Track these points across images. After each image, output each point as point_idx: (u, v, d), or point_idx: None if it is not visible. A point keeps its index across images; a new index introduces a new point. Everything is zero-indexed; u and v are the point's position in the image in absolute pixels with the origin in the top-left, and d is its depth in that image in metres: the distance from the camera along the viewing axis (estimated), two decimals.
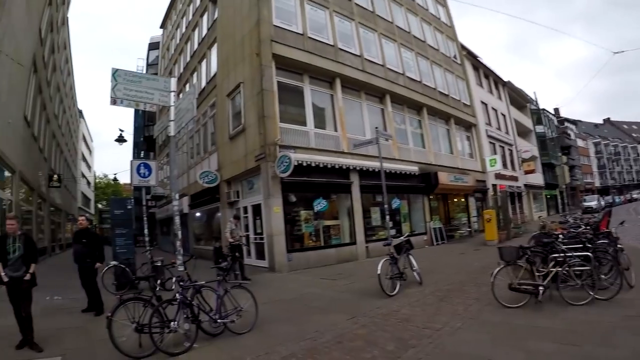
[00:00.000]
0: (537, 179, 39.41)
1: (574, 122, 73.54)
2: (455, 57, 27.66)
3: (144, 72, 45.36)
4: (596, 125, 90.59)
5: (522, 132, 40.03)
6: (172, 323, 5.30)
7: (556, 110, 62.87)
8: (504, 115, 34.55)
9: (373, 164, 15.90)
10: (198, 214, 21.71)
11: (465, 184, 22.47)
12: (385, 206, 12.33)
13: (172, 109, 6.32)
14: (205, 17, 21.33)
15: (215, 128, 18.17)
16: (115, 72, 6.01)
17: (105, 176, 66.69)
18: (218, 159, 17.56)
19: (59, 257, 24.00)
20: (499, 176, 28.85)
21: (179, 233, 6.27)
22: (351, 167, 15.42)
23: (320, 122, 15.54)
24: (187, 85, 23.33)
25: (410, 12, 23.64)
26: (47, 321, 6.89)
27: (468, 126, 26.55)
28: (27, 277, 5.74)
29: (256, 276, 12.04)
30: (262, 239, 14.27)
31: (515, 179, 33.16)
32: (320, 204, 14.59)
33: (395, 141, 17.95)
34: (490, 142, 29.71)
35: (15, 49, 12.41)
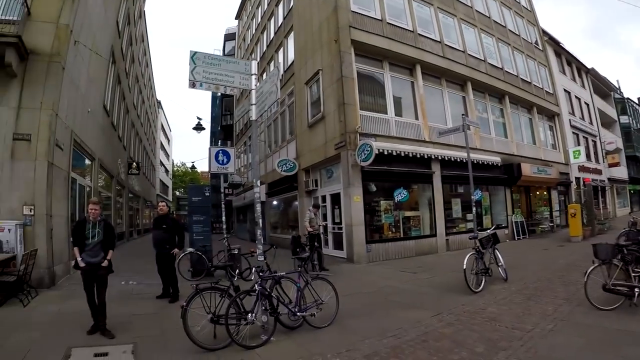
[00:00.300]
0: (621, 172, 36.33)
1: None
2: (536, 42, 25.79)
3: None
4: None
5: (606, 122, 36.91)
6: (250, 315, 5.01)
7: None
8: (587, 105, 31.90)
9: (455, 154, 15.13)
10: (275, 203, 21.70)
11: (548, 176, 20.91)
12: (473, 197, 11.54)
13: (254, 92, 6.06)
14: (280, 6, 21.29)
15: (294, 116, 17.99)
16: (194, 55, 5.82)
17: (183, 164, 69.27)
18: (296, 147, 17.38)
19: (136, 242, 25.20)
20: (582, 169, 26.69)
21: (260, 221, 5.97)
22: (433, 157, 14.69)
23: (400, 110, 14.92)
24: (264, 74, 23.44)
25: None
26: (121, 307, 6.86)
27: (551, 115, 24.70)
28: (105, 263, 5.66)
29: (334, 267, 11.71)
30: (340, 228, 13.90)
31: (598, 172, 30.61)
32: (400, 194, 14.00)
33: (477, 130, 16.88)
34: (574, 133, 27.51)
35: (93, 40, 12.70)
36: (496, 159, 17.58)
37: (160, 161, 50.34)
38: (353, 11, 14.31)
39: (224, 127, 37.64)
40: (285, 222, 20.34)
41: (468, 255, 7.91)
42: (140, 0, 26.00)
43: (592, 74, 34.64)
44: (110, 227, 5.94)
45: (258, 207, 5.95)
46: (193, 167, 40.52)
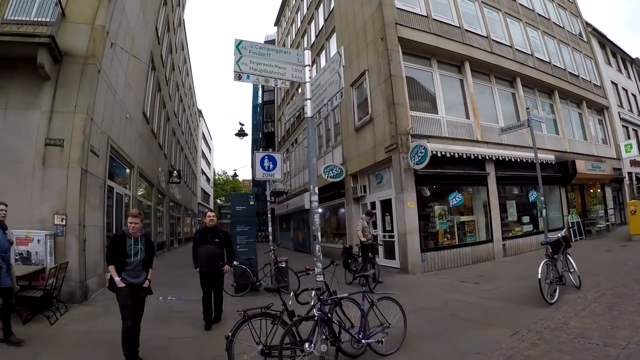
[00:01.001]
0: None
1: None
2: (580, 34, 24.21)
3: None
4: None
5: None
6: (307, 345, 4.14)
7: None
8: (634, 96, 29.85)
9: (510, 153, 14.08)
10: (320, 210, 20.75)
11: (602, 172, 19.34)
12: (542, 198, 10.50)
13: (308, 85, 5.19)
14: (321, 9, 20.75)
15: (339, 120, 17.20)
16: (240, 44, 5.01)
17: (224, 173, 69.23)
18: (343, 152, 16.57)
19: (177, 252, 24.77)
20: (634, 163, 24.77)
21: (319, 235, 4.89)
22: (487, 157, 13.58)
23: (451, 109, 13.87)
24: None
25: None
26: (157, 328, 6.15)
27: (600, 109, 23.07)
28: (146, 284, 4.96)
29: (387, 278, 10.82)
30: (392, 237, 12.97)
31: None
32: (455, 198, 12.97)
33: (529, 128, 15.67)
34: (623, 126, 25.63)
35: (132, 45, 12.19)
36: (550, 157, 16.27)
37: (202, 169, 50.23)
38: (398, 8, 13.49)
39: (266, 134, 37.47)
40: (332, 231, 19.50)
41: (542, 263, 7.02)
42: (180, 8, 25.58)
43: (637, 64, 32.47)
44: (151, 243, 5.24)
45: (316, 219, 4.87)
46: (235, 175, 39.87)
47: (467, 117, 14.06)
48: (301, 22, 25.69)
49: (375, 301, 5.06)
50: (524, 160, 14.42)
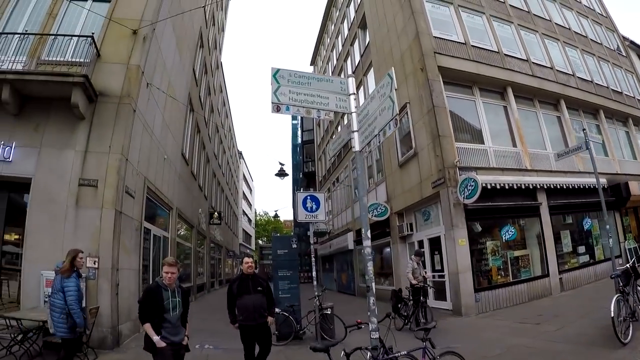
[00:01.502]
0: None
1: None
2: (618, 49, 23.08)
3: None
4: None
5: None
6: None
7: None
8: None
9: (562, 180, 13.23)
10: (371, 255, 19.87)
11: None
12: (607, 227, 9.54)
13: (354, 116, 4.60)
14: (356, 45, 20.63)
15: (381, 156, 16.55)
16: (277, 73, 4.51)
17: (266, 213, 68.97)
18: (386, 189, 15.88)
19: (217, 293, 24.15)
20: None
21: (373, 285, 4.01)
22: (538, 186, 12.67)
23: (496, 138, 13.10)
24: (345, 117, 22.40)
25: (564, 7, 20.21)
26: None
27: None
28: (185, 341, 4.40)
29: (440, 321, 9.85)
30: (442, 277, 12.11)
31: None
32: (508, 232, 12.05)
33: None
34: None
35: (168, 85, 12.01)
36: (602, 181, 15.09)
37: (243, 210, 49.99)
38: (435, 37, 13.06)
39: (306, 174, 37.28)
40: (378, 271, 18.38)
41: (614, 299, 6.14)
42: (217, 51, 25.67)
43: None
44: (187, 295, 4.64)
45: (369, 267, 4.07)
46: (276, 215, 39.41)
47: (514, 145, 13.22)
48: (337, 60, 25.62)
49: (437, 357, 4.38)
50: (576, 187, 13.52)
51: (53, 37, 8.72)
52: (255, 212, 68.29)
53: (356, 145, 4.53)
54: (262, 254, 45.89)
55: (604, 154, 17.00)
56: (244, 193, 52.23)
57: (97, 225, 7.77)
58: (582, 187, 13.85)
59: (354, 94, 4.68)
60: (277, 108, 4.40)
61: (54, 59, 8.43)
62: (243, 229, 49.68)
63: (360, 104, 4.74)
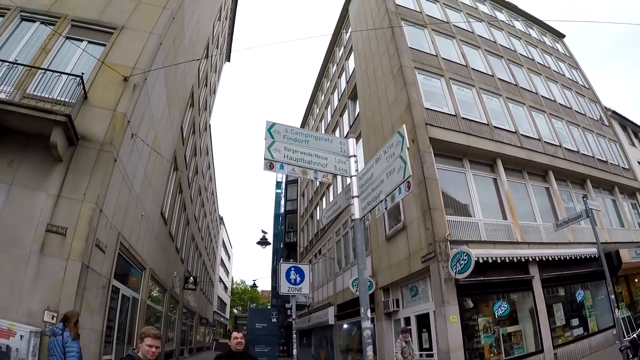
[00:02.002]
0: None
1: None
2: (601, 119, 23.75)
3: (283, 181, 44.74)
4: None
5: None
6: None
7: None
8: None
9: (553, 252, 13.01)
10: (346, 326, 19.21)
11: None
12: (612, 297, 9.26)
13: (355, 180, 4.30)
14: (345, 116, 20.90)
15: (367, 229, 16.12)
16: (272, 127, 4.26)
17: (243, 282, 67.06)
18: (372, 263, 15.39)
19: None
20: None
21: None
22: (530, 259, 12.39)
23: (487, 211, 13.00)
24: (330, 188, 22.33)
25: (549, 80, 20.98)
26: None
27: (632, 192, 21.86)
28: None
29: None
30: (430, 355, 11.57)
31: None
32: (501, 308, 11.65)
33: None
34: None
35: (154, 140, 11.50)
36: (592, 251, 14.87)
37: (220, 277, 48.26)
38: (427, 108, 13.29)
39: (287, 244, 36.40)
40: (358, 348, 17.62)
41: None
42: (206, 112, 25.39)
43: None
44: None
45: (369, 352, 3.60)
46: (254, 285, 37.78)
47: (505, 217, 13.12)
48: (325, 130, 25.79)
49: None
50: (568, 258, 13.30)
51: (42, 72, 8.23)
52: (232, 280, 66.10)
53: (356, 213, 4.17)
54: (237, 323, 44.00)
55: (591, 224, 16.96)
56: (222, 259, 50.60)
57: (60, 278, 6.98)
58: (573, 258, 13.67)
59: (355, 156, 4.45)
60: (270, 165, 4.09)
61: (40, 94, 7.94)
62: (218, 297, 47.72)
63: (361, 168, 4.46)
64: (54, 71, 8.21)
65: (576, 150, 18.15)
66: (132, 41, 9.74)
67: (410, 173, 3.53)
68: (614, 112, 25.78)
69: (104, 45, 9.51)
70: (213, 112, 29.63)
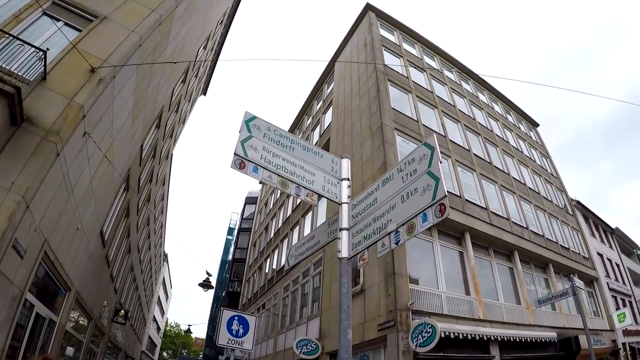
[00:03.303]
0: None
1: None
2: (566, 207, 24.42)
3: (236, 227, 42.86)
4: None
5: (635, 280, 34.03)
6: None
7: None
8: (617, 265, 29.47)
9: (515, 333, 12.79)
10: None
11: (603, 346, 17.56)
12: None
13: (345, 209, 3.56)
14: None
15: (320, 288, 15.25)
16: (251, 120, 3.52)
17: (177, 325, 63.44)
18: (320, 325, 14.35)
19: None
20: (627, 333, 23.16)
21: None
22: (492, 338, 12.02)
23: (451, 284, 12.67)
24: (285, 242, 21.73)
25: (521, 164, 21.70)
26: None
27: (589, 281, 22.12)
28: None
29: None
30: None
31: None
32: None
33: (529, 304, 14.45)
34: (613, 296, 24.67)
35: (109, 149, 10.15)
36: (552, 335, 14.73)
37: (154, 316, 44.44)
38: None
39: (230, 293, 34.59)
40: None
41: None
42: (171, 140, 23.68)
43: (617, 233, 32.94)
44: None
45: None
46: (189, 330, 34.22)
47: (468, 292, 12.81)
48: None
49: None
50: (529, 340, 13.04)
51: (5, 39, 7.12)
52: (167, 322, 62.26)
53: (343, 250, 3.31)
54: None
55: (552, 307, 16.85)
56: (159, 298, 47.63)
57: None
58: (534, 340, 13.40)
59: (348, 179, 3.74)
60: (240, 164, 3.21)
61: None
62: (149, 336, 43.99)
63: (355, 197, 3.66)
64: (18, 38, 7.16)
65: (541, 234, 18.38)
66: (111, 34, 8.89)
67: (445, 192, 2.68)
68: (578, 202, 26.66)
69: (80, 31, 8.64)
70: (178, 142, 28.30)
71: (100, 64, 8.07)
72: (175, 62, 13.22)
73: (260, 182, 3.50)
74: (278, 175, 3.39)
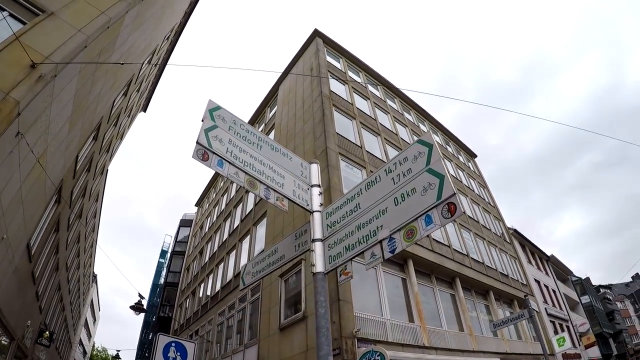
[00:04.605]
0: (595, 352, 34.13)
1: (608, 286, 68.45)
2: (504, 235, 25.56)
3: (170, 250, 41.21)
4: (627, 285, 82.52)
5: (571, 305, 36.05)
6: None
7: (587, 279, 58.09)
8: (554, 292, 31.03)
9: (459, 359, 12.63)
10: None
11: None
12: None
13: (318, 217, 3.29)
14: (251, 193, 20.26)
15: (258, 315, 14.57)
16: (215, 109, 3.21)
17: (104, 350, 59.16)
18: (258, 354, 13.62)
19: None
20: (566, 356, 24.18)
21: None
22: None
23: (394, 311, 12.61)
24: (221, 266, 21.10)
25: (461, 193, 22.66)
26: None
27: (526, 307, 22.95)
28: None
29: None
30: None
31: (578, 356, 28.09)
32: None
33: (472, 330, 14.67)
34: (551, 321, 25.80)
35: (43, 154, 9.45)
36: None
37: (80, 339, 41.75)
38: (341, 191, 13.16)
39: (161, 318, 32.87)
40: None
41: None
42: (107, 155, 22.02)
43: (552, 260, 34.92)
44: None
45: None
46: (117, 356, 31.71)
47: (412, 320, 12.81)
48: (226, 205, 24.98)
49: None
50: None
51: None
52: (94, 345, 58.25)
53: (318, 264, 2.99)
54: None
55: (493, 333, 17.21)
56: (86, 320, 44.77)
57: None
58: None
59: (319, 186, 3.46)
60: (204, 155, 2.87)
61: None
62: None
63: (329, 205, 3.37)
64: None
65: (482, 261, 19.02)
66: (57, 31, 8.48)
67: (453, 190, 2.45)
68: (515, 230, 28.03)
69: (25, 24, 8.23)
70: (114, 158, 26.88)
71: (42, 60, 7.63)
72: (123, 64, 12.55)
73: (226, 175, 3.14)
74: (246, 173, 3.08)
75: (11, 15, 8.18)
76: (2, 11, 8.08)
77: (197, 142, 2.87)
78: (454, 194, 2.44)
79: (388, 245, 2.73)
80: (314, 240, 3.14)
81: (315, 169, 3.66)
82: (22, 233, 10.53)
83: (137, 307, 13.96)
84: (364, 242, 2.87)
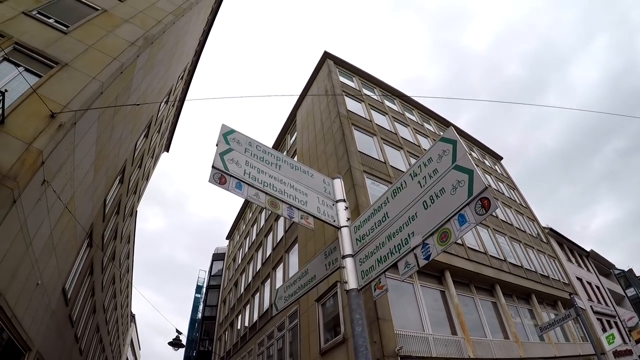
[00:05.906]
0: None
1: None
2: (539, 235, 24.74)
3: (205, 285, 41.27)
4: None
5: (616, 299, 34.28)
6: None
7: (630, 271, 55.22)
8: (597, 287, 29.68)
9: None
10: None
11: None
12: None
13: (346, 233, 3.15)
14: (280, 221, 20.33)
15: (298, 340, 14.42)
16: (229, 133, 3.19)
17: None
18: None
19: None
20: (617, 354, 22.91)
21: None
22: None
23: (436, 325, 12.34)
24: (257, 296, 21.09)
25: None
26: None
27: (572, 307, 21.99)
28: None
29: None
30: None
31: (629, 352, 26.51)
32: None
33: (517, 337, 14.16)
34: (598, 319, 24.61)
35: (71, 200, 9.56)
36: None
37: None
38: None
39: (201, 353, 32.93)
40: None
41: None
42: (135, 197, 22.75)
43: (592, 256, 33.47)
44: None
45: None
46: None
47: (454, 332, 12.48)
48: (257, 235, 25.07)
49: None
50: None
51: None
52: None
53: (351, 280, 2.88)
54: None
55: (539, 338, 16.56)
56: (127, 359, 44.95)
57: None
58: None
59: (344, 201, 3.33)
60: (221, 179, 2.81)
61: None
62: None
63: (357, 219, 3.22)
64: None
65: (520, 265, 18.47)
66: (72, 80, 8.77)
67: (484, 184, 2.24)
68: (551, 229, 27.12)
69: (41, 76, 8.49)
70: (142, 199, 27.05)
71: (61, 109, 7.87)
72: (138, 104, 12.91)
73: (244, 197, 3.13)
74: (266, 193, 2.99)
75: (27, 70, 8.53)
76: (17, 67, 8.42)
77: (213, 166, 2.83)
78: (486, 187, 2.23)
79: (422, 252, 2.53)
80: (344, 257, 3.04)
81: (338, 183, 3.56)
82: (57, 278, 10.72)
83: (175, 343, 14.23)
84: (396, 252, 2.72)
